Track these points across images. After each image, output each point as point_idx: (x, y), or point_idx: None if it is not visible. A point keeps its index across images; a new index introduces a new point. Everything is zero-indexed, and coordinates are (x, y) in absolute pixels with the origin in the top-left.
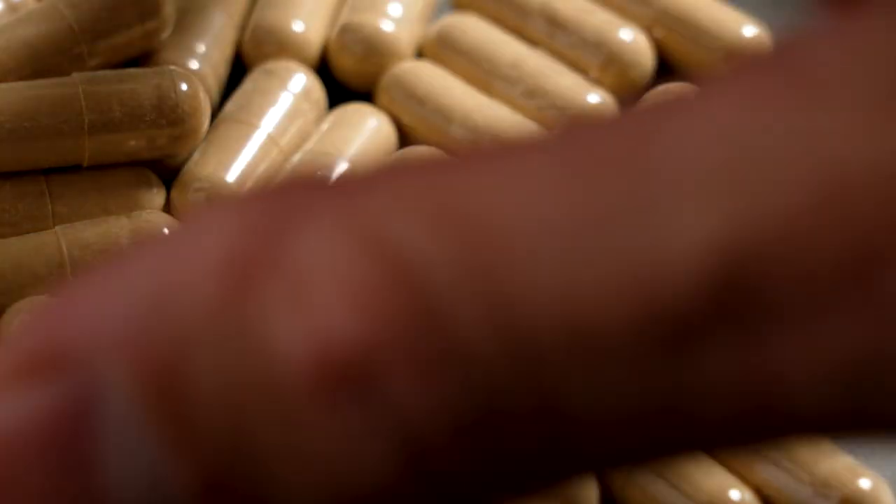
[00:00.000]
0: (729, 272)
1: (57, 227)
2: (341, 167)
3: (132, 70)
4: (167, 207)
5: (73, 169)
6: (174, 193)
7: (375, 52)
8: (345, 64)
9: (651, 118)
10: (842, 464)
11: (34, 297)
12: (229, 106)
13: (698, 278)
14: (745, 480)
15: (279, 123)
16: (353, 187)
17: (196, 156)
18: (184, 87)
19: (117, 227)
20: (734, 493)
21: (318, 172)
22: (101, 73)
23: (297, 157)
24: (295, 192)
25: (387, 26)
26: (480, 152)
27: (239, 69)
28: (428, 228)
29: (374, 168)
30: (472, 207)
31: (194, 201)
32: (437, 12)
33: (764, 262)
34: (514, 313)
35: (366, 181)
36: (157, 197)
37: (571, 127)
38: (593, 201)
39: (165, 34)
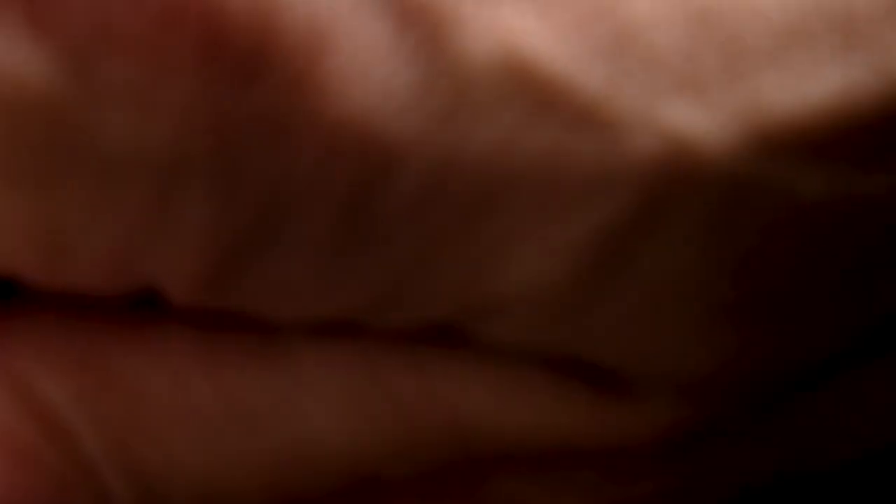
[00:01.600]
0: (360, 473)
1: None
2: None
3: None
4: None
5: None
6: None
7: None
8: None
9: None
10: None
11: None
12: None
13: (337, 478)
14: None
15: None
16: (5, 335)
17: None
18: None
19: None
20: None
21: None
22: None
23: None
24: None
25: None
26: (143, 320)
27: None
28: (77, 391)
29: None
30: (122, 379)
31: None
32: None
33: (385, 466)
34: (152, 485)
35: (20, 328)
36: None
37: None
38: (238, 395)
39: None
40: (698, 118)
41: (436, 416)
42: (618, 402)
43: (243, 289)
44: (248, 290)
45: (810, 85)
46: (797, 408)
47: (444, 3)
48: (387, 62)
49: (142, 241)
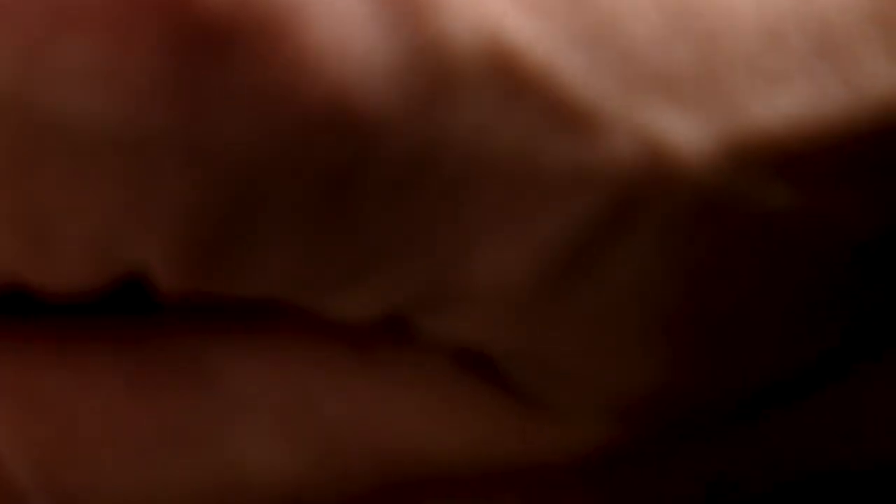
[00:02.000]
0: (286, 500)
1: None
2: None
3: None
4: None
5: None
6: None
7: None
8: None
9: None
10: None
11: None
12: None
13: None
14: None
15: None
16: None
17: None
18: None
19: None
20: None
21: None
22: None
23: None
24: None
25: None
26: (71, 342)
27: None
28: (4, 414)
29: None
30: (51, 402)
31: None
32: None
33: (312, 492)
34: None
35: None
36: None
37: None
38: (167, 417)
39: None
40: (676, 123)
41: (365, 440)
42: (547, 420)
43: (225, 268)
44: (229, 270)
45: (781, 93)
46: (789, 412)
47: None
48: (364, 38)
49: (123, 223)
